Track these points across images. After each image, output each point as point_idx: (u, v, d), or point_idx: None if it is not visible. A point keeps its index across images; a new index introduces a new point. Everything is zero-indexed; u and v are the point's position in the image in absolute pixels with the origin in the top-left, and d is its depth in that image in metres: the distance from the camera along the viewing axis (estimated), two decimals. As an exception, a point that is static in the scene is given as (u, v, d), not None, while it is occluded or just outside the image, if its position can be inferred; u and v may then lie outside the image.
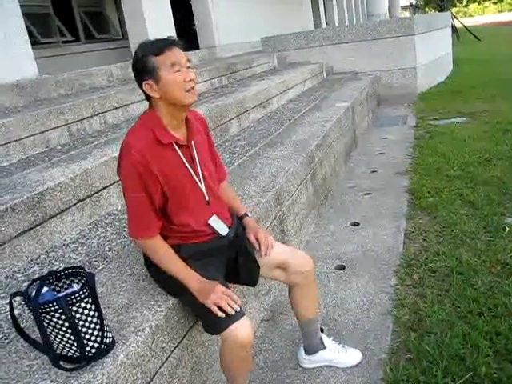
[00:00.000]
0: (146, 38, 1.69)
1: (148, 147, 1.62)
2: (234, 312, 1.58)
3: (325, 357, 2.11)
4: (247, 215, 2.03)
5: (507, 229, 3.10)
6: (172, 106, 1.65)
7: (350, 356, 2.12)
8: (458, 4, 34.10)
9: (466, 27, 21.98)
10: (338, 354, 2.11)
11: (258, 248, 1.91)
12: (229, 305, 1.58)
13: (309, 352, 2.13)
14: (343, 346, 2.15)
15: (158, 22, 6.25)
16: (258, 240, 1.92)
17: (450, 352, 2.06)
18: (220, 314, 1.58)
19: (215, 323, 1.63)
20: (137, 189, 1.62)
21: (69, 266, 1.68)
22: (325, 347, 2.12)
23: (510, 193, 3.66)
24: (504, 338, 2.10)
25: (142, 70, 1.60)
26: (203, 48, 8.03)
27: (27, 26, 4.49)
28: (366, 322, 2.39)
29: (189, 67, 1.64)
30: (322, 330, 2.18)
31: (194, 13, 8.16)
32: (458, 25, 21.49)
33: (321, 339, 2.13)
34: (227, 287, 1.75)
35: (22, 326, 1.48)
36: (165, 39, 1.62)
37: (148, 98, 1.67)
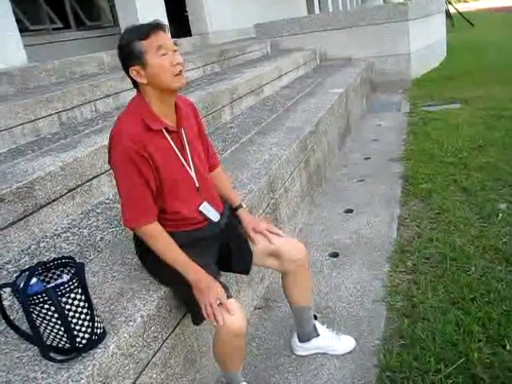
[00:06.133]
0: (136, 23, 1.65)
1: (138, 133, 1.59)
2: (221, 323, 1.57)
3: (318, 344, 2.11)
4: (241, 206, 2.01)
5: (500, 215, 3.11)
6: (160, 92, 1.62)
7: (344, 343, 2.13)
8: (452, -11, 33.89)
9: (460, 13, 21.86)
10: (332, 342, 2.12)
11: (257, 243, 1.91)
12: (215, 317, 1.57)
13: (302, 339, 2.13)
14: (337, 333, 2.15)
15: (150, 8, 6.16)
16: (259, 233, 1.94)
17: (442, 338, 2.07)
18: (206, 317, 1.60)
19: (197, 316, 1.66)
20: (131, 175, 1.58)
21: (59, 256, 1.67)
22: (318, 335, 2.12)
23: (503, 179, 3.66)
24: (496, 324, 2.11)
25: (129, 55, 1.57)
26: (195, 34, 7.94)
27: (15, 13, 4.41)
28: (360, 309, 2.39)
29: (176, 51, 1.60)
30: (315, 318, 2.18)
31: (186, -2, 8.06)
32: (452, 10, 21.37)
33: (314, 326, 2.13)
34: (219, 275, 1.74)
35: (12, 317, 1.47)
36: (149, 23, 1.58)
37: (136, 84, 1.64)
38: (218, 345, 1.71)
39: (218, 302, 1.57)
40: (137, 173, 1.58)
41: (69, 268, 1.49)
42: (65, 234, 2.22)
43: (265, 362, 2.12)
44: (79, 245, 2.10)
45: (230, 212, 1.96)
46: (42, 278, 1.46)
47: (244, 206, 2.04)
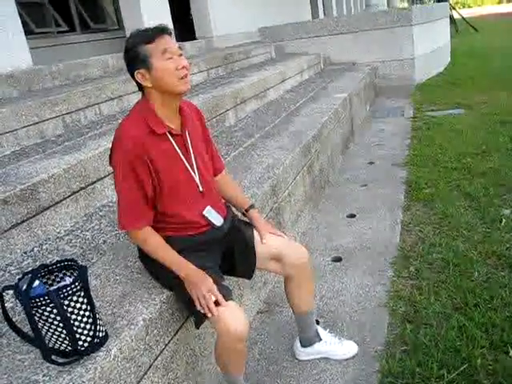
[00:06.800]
0: (142, 27, 1.66)
1: (141, 137, 1.59)
2: (210, 315, 1.57)
3: (320, 349, 2.11)
4: (253, 207, 2.03)
5: (504, 220, 3.10)
6: (165, 95, 1.63)
7: (346, 348, 2.12)
8: (456, -6, 33.84)
9: (464, 18, 21.85)
10: (334, 347, 2.11)
11: (264, 242, 1.92)
12: (208, 307, 1.56)
13: (304, 344, 2.12)
14: (339, 339, 2.14)
15: (155, 12, 6.18)
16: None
17: (445, 344, 2.06)
18: (200, 308, 1.58)
19: (197, 317, 1.64)
20: (129, 178, 1.59)
21: (63, 258, 1.67)
22: (320, 339, 2.11)
23: (507, 184, 3.65)
24: (500, 330, 2.10)
25: (134, 59, 1.58)
26: (200, 38, 7.95)
27: (21, 16, 4.43)
28: (362, 314, 2.38)
29: (181, 55, 1.61)
30: (317, 322, 2.17)
31: (191, 2, 8.08)
32: (456, 16, 21.35)
33: (316, 331, 2.12)
34: (222, 279, 1.74)
35: (14, 319, 1.47)
36: (155, 27, 1.59)
37: (141, 87, 1.65)
38: (219, 349, 1.70)
39: (210, 295, 1.57)
40: (135, 177, 1.59)
41: (71, 271, 1.49)
42: (68, 237, 2.23)
43: (267, 367, 2.12)
44: (82, 247, 2.10)
45: (235, 216, 1.96)
46: (44, 280, 1.46)
47: (256, 206, 2.05)
